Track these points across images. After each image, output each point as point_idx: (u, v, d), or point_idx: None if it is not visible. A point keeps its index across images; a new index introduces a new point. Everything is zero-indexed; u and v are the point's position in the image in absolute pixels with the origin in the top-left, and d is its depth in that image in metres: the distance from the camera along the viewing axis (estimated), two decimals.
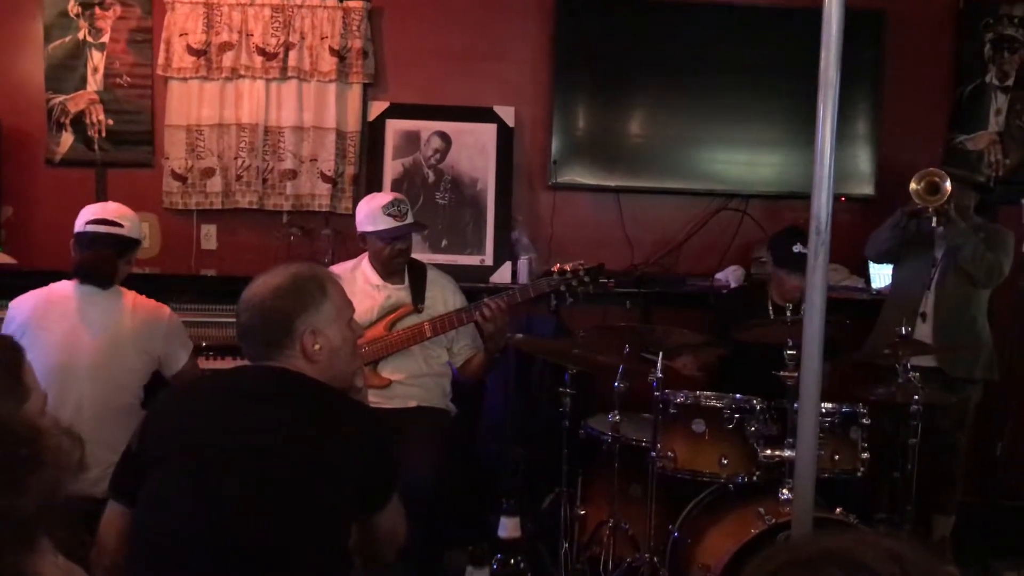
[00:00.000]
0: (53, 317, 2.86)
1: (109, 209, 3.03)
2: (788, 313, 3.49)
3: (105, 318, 2.88)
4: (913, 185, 3.48)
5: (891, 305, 3.84)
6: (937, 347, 3.56)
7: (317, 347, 1.89)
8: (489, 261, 4.28)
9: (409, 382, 3.34)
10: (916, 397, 3.13)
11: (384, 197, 3.40)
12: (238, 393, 1.88)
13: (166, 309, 3.01)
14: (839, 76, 1.85)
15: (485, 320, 3.24)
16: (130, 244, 3.02)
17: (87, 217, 2.99)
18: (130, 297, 2.96)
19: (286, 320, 1.87)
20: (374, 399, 3.12)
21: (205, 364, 3.70)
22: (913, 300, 3.69)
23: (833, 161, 1.87)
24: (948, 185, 3.45)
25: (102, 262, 2.91)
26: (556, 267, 3.30)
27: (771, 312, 3.64)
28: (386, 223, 3.31)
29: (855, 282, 4.22)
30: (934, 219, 3.52)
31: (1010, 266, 3.67)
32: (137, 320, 2.92)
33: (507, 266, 4.26)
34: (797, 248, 3.45)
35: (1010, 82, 4.46)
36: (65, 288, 2.92)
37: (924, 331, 3.65)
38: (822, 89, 1.86)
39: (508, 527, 1.89)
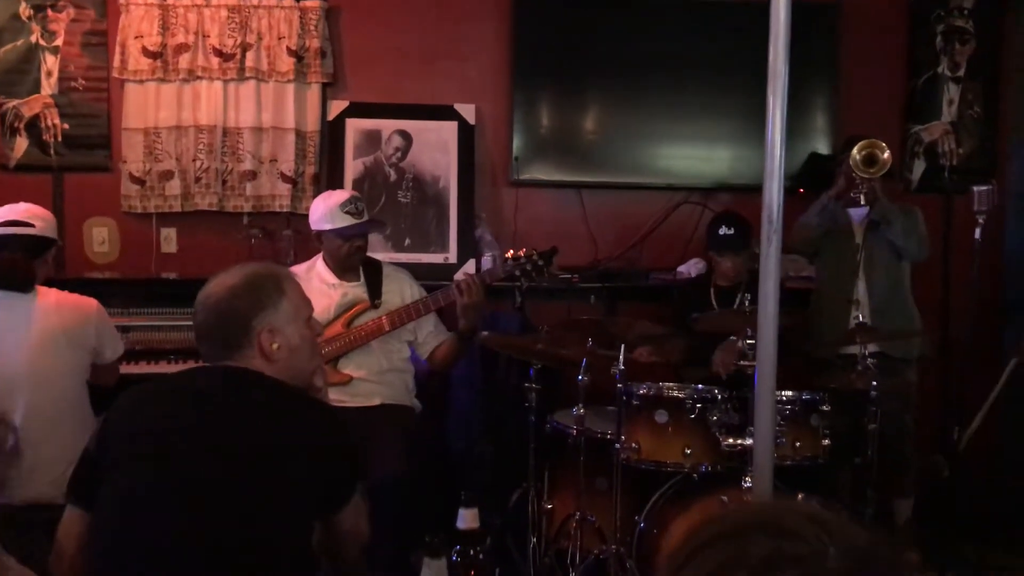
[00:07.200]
0: None
1: (18, 210, 2.96)
2: (737, 297, 3.59)
3: (26, 322, 2.79)
4: (854, 154, 3.47)
5: (822, 295, 3.88)
6: (889, 335, 3.59)
7: (275, 346, 1.88)
8: (453, 259, 4.28)
9: (372, 379, 3.33)
10: (875, 383, 3.18)
11: (341, 195, 3.38)
12: (197, 394, 1.87)
13: (94, 301, 2.95)
14: (787, 67, 1.88)
15: (461, 293, 3.24)
16: (44, 244, 2.95)
17: None
18: (52, 295, 2.88)
19: (243, 320, 1.86)
20: (338, 397, 3.12)
21: (168, 368, 3.67)
22: (844, 288, 3.71)
23: (784, 151, 1.89)
24: (887, 156, 3.46)
25: (17, 265, 2.84)
26: (509, 253, 3.31)
27: (713, 297, 3.72)
28: (344, 221, 3.30)
29: (813, 272, 4.25)
30: (862, 198, 3.58)
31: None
32: (64, 316, 2.85)
33: (471, 263, 4.25)
34: (722, 231, 3.65)
35: (961, 72, 4.55)
36: None
37: (860, 317, 3.67)
38: (771, 80, 1.88)
39: (466, 518, 1.90)
